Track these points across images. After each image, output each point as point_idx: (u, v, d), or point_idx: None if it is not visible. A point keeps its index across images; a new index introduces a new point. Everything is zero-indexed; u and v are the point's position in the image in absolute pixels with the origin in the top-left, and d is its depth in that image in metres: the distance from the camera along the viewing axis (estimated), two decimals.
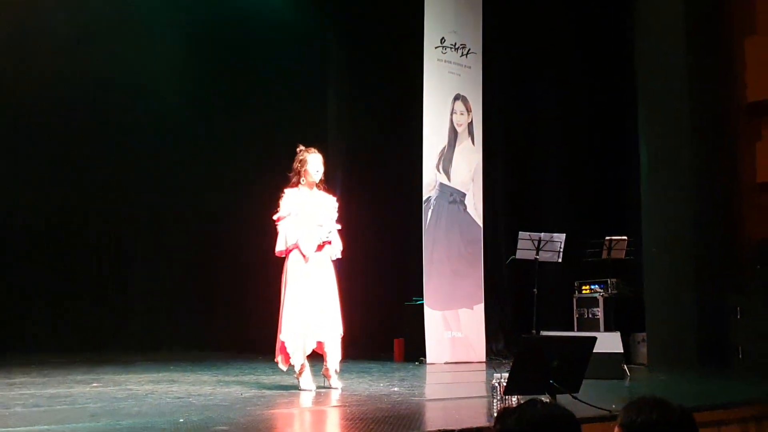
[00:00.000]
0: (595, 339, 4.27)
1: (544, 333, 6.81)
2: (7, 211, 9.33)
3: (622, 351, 6.56)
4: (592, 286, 8.55)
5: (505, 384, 4.05)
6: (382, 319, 9.35)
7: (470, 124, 8.98)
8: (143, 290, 10.42)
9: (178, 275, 10.65)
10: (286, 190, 5.76)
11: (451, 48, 8.83)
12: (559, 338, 4.64)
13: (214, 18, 10.08)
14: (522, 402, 2.01)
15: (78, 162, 9.86)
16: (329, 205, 5.82)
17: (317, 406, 5.00)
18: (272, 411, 4.71)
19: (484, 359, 8.54)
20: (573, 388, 4.11)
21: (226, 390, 5.61)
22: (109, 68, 9.61)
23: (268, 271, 7.36)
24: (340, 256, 5.80)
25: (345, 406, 4.89)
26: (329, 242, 5.69)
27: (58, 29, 9.23)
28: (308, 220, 5.66)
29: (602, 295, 8.41)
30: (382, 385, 5.96)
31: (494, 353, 8.92)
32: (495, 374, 4.19)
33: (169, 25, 9.76)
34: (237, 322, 10.03)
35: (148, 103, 9.96)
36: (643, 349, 8.02)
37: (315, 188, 5.80)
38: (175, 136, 10.23)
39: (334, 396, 5.36)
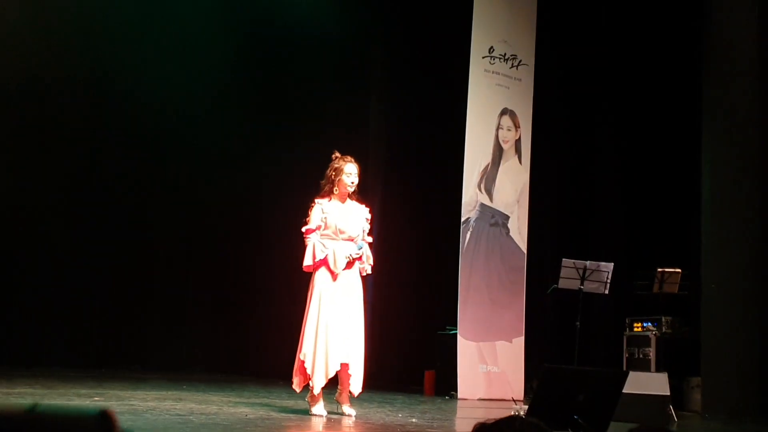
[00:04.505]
0: (626, 374, 4.18)
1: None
2: (24, 223, 9.51)
3: (669, 393, 6.40)
4: (645, 324, 8.37)
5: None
6: (413, 349, 9.28)
7: (518, 141, 8.91)
8: (165, 309, 10.55)
9: (202, 295, 10.76)
10: (316, 200, 5.72)
11: (500, 58, 8.78)
12: (586, 371, 4.55)
13: (257, 27, 10.31)
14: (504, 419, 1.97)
15: (97, 172, 10.08)
16: (361, 215, 5.76)
17: None
18: None
19: (522, 397, 8.38)
20: (600, 427, 4.02)
21: (232, 411, 5.62)
22: (146, 75, 9.89)
23: (298, 291, 7.39)
24: (370, 272, 5.76)
25: None
26: (360, 258, 5.66)
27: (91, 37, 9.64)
28: (339, 233, 5.62)
29: (655, 334, 8.22)
30: (401, 415, 5.91)
31: (534, 392, 8.76)
32: (514, 406, 4.13)
33: (210, 34, 10.03)
34: (262, 344, 10.06)
35: (179, 116, 10.21)
36: (697, 396, 7.79)
37: (348, 199, 5.77)
38: (203, 152, 10.43)
39: (345, 423, 5.33)
